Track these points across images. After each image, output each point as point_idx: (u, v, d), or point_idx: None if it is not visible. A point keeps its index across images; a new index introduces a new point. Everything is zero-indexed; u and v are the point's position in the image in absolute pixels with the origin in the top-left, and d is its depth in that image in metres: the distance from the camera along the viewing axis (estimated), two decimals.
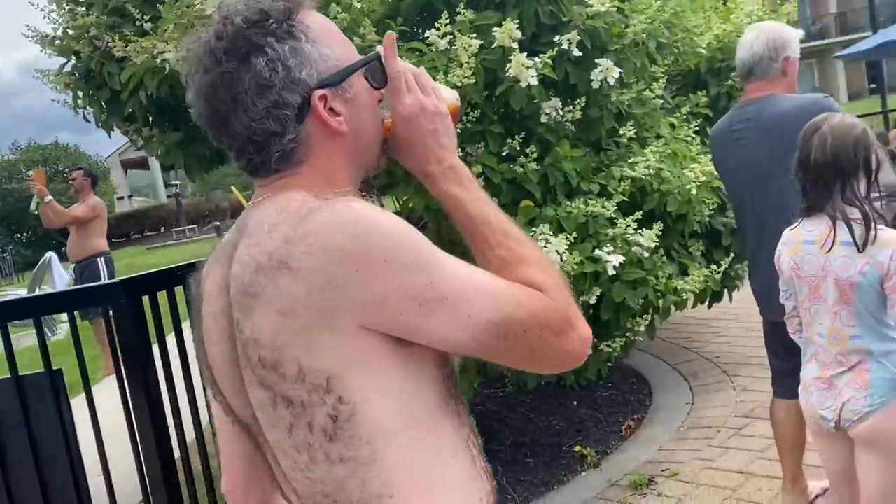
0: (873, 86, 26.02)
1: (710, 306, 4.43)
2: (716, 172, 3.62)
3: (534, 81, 2.94)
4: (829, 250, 2.04)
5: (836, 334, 2.08)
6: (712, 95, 4.47)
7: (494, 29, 2.92)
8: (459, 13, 2.95)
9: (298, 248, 0.93)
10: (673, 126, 3.86)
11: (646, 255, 3.27)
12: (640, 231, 3.27)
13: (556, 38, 3.06)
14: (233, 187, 8.37)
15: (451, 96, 1.19)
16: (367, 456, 0.97)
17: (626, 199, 3.30)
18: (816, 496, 3.09)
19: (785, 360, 3.01)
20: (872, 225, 1.98)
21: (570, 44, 3.01)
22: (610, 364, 3.80)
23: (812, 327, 2.15)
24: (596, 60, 3.16)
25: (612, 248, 3.12)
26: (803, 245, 2.12)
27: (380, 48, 1.14)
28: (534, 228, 3.05)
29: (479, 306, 0.95)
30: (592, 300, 3.22)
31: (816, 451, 3.31)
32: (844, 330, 2.06)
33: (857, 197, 2.03)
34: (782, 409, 3.07)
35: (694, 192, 3.47)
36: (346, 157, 1.08)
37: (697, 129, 4.05)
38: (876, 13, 14.70)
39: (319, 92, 1.02)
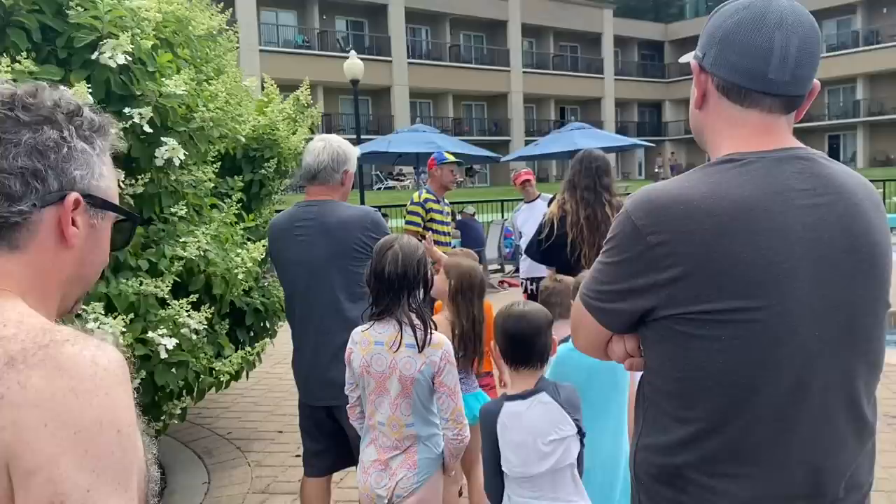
0: None
1: (227, 385, 4.51)
2: (261, 259, 3.82)
3: None
4: (397, 350, 2.38)
5: (395, 423, 2.42)
6: (247, 181, 4.69)
7: (62, 88, 2.65)
8: (18, 62, 2.60)
9: (19, 376, 0.81)
10: (219, 208, 3.94)
11: (194, 337, 3.25)
12: (189, 313, 3.24)
13: (127, 109, 2.92)
14: None
15: None
16: None
17: (178, 278, 3.25)
18: None
19: (317, 440, 3.29)
20: (429, 330, 2.39)
21: (143, 118, 2.90)
22: None
23: (375, 416, 2.46)
24: (162, 139, 3.09)
25: (164, 331, 3.02)
26: (374, 345, 2.43)
27: None
28: (84, 306, 2.78)
29: None
30: (135, 384, 3.05)
31: None
32: (402, 419, 2.41)
33: (418, 305, 2.43)
34: (312, 487, 3.32)
35: (241, 276, 3.59)
36: (61, 275, 0.99)
37: (237, 213, 4.20)
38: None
39: (76, 194, 0.96)
